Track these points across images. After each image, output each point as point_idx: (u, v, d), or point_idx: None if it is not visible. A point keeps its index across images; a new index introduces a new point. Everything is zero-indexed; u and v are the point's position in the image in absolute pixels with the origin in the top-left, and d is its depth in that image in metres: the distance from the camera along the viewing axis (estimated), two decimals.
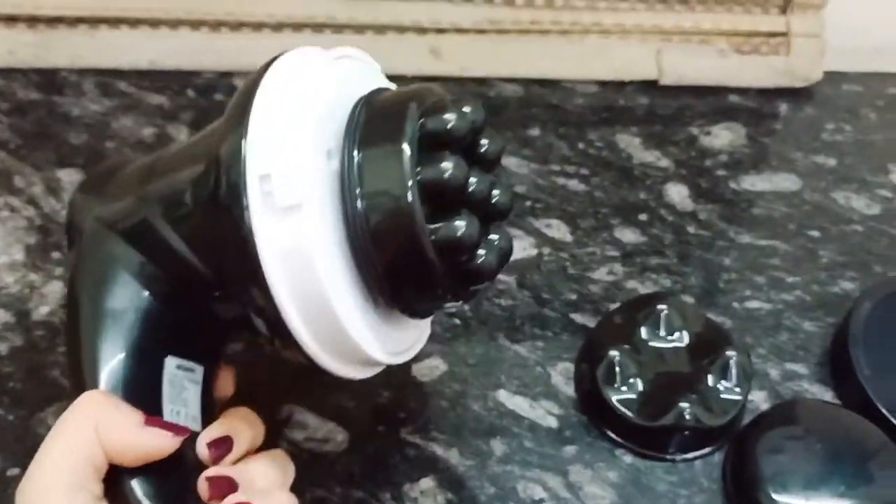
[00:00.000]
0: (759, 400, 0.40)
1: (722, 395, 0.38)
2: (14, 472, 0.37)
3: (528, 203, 0.48)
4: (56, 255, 0.45)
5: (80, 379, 0.30)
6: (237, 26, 0.54)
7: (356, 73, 0.30)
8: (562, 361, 0.41)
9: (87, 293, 0.31)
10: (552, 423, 0.39)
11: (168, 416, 0.30)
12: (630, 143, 0.52)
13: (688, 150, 0.51)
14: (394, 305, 0.29)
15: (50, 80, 0.54)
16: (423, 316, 0.31)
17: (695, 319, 0.40)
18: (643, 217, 0.48)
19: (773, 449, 0.36)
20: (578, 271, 0.45)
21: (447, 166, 0.26)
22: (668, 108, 0.54)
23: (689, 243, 0.46)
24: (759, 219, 0.48)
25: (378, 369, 0.31)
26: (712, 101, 0.54)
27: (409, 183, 0.26)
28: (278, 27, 0.55)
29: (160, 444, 0.28)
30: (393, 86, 0.31)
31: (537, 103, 0.54)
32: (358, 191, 0.26)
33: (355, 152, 0.27)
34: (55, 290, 0.43)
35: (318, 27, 0.55)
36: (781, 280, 0.45)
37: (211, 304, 0.30)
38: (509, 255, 0.30)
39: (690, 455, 0.38)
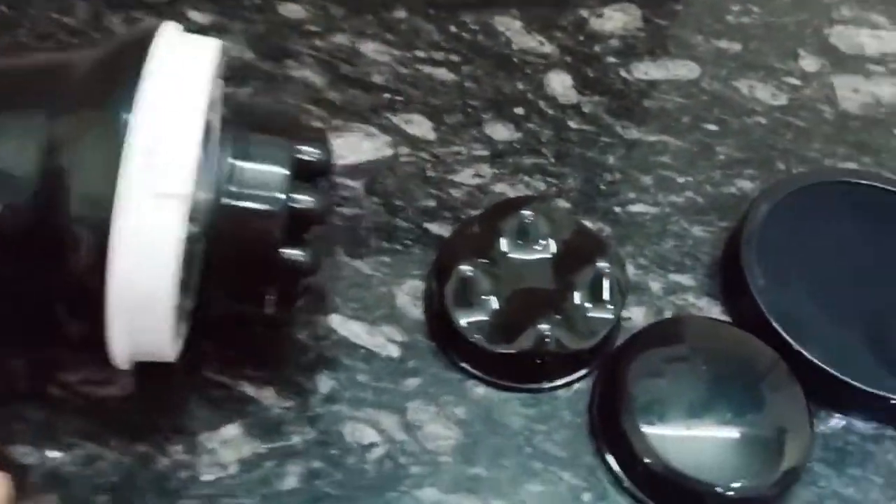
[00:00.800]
0: (638, 318, 0.32)
1: (589, 314, 0.30)
2: None
3: (387, 96, 0.38)
4: None
5: None
6: None
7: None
8: (411, 279, 0.33)
9: None
10: (393, 351, 0.31)
11: None
12: (510, 26, 0.42)
13: (575, 35, 0.42)
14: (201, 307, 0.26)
15: None
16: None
17: (565, 227, 0.32)
18: (519, 111, 0.39)
19: (646, 373, 0.29)
20: (439, 174, 0.36)
21: (311, 200, 0.25)
22: None
23: (569, 140, 0.38)
24: (650, 112, 0.39)
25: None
26: None
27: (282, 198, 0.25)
28: None
29: None
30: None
31: None
32: (233, 189, 0.25)
33: (236, 160, 0.25)
34: None
35: None
36: (671, 180, 0.37)
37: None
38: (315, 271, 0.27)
39: (553, 384, 0.30)
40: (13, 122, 0.24)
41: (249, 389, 0.29)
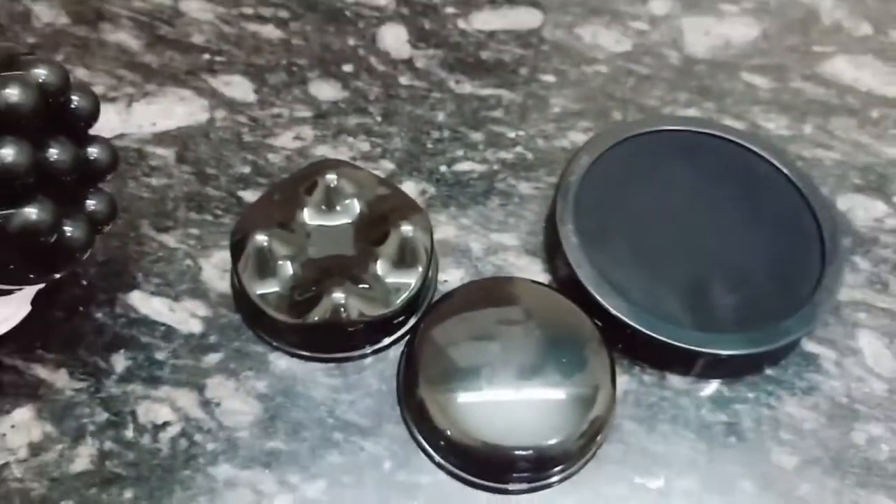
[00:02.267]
0: (456, 280, 0.33)
1: (389, 280, 0.31)
2: None
3: (206, 57, 0.39)
4: None
5: None
6: None
7: None
8: (219, 250, 0.33)
9: None
10: (195, 327, 0.31)
11: None
12: None
13: None
14: None
15: None
16: (5, 293, 0.27)
17: (371, 189, 0.33)
18: (348, 68, 0.39)
19: (444, 340, 0.30)
20: (257, 138, 0.36)
21: (6, 153, 0.23)
22: None
23: (398, 97, 0.38)
24: (486, 64, 0.40)
25: None
26: None
27: None
28: None
29: None
30: None
31: None
32: None
33: None
34: None
35: None
36: (501, 136, 0.37)
37: None
38: (111, 217, 0.28)
39: (360, 353, 0.31)
40: None
41: (42, 372, 0.30)
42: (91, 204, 0.27)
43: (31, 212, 0.24)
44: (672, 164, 0.35)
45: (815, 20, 0.43)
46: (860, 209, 0.36)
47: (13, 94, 0.23)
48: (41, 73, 0.24)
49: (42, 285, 0.28)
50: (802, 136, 0.39)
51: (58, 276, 0.26)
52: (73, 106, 0.26)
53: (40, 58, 0.25)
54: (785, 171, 0.35)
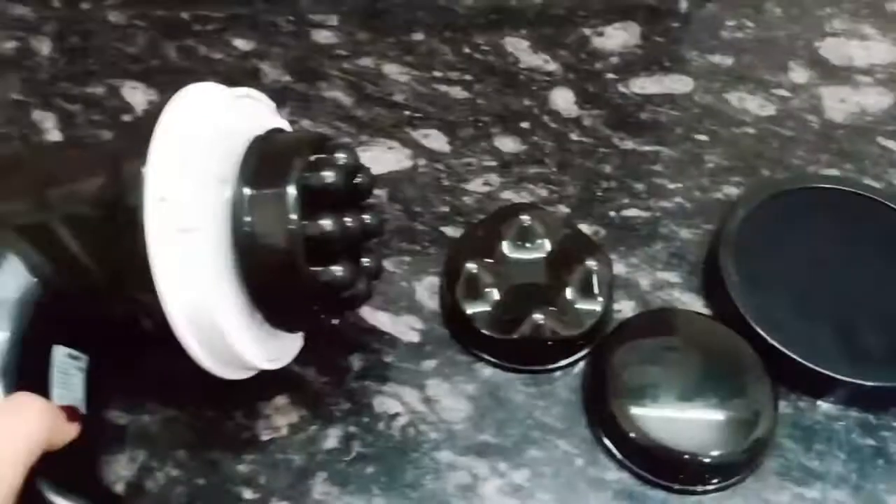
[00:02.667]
0: (628, 310, 0.39)
1: (579, 306, 0.37)
2: None
3: (407, 113, 0.46)
4: None
5: None
6: None
7: (254, 111, 0.33)
8: (428, 276, 0.40)
9: None
10: (413, 337, 0.38)
11: (56, 399, 0.31)
12: (518, 46, 0.49)
13: (578, 53, 0.49)
14: (275, 325, 0.32)
15: None
16: (297, 331, 0.34)
17: (559, 229, 0.39)
18: (525, 125, 0.46)
19: (631, 357, 0.36)
20: (453, 183, 0.44)
21: (326, 224, 0.29)
22: (562, 8, 0.51)
23: (570, 151, 0.45)
24: (645, 123, 0.46)
25: (253, 371, 0.33)
26: None
27: (291, 226, 0.29)
28: None
29: (71, 431, 0.29)
30: (287, 124, 0.34)
31: (423, 6, 0.51)
32: (248, 222, 0.29)
33: (245, 189, 0.29)
34: None
35: None
36: (662, 187, 0.44)
37: (101, 303, 0.32)
38: (379, 274, 0.35)
39: (549, 367, 0.38)
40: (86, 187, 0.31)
41: (296, 367, 0.37)
42: (365, 261, 0.33)
43: (337, 269, 0.30)
44: (819, 217, 0.41)
45: None
46: None
47: (328, 175, 0.29)
48: (341, 156, 0.31)
49: None
50: None
51: (337, 321, 0.33)
52: (357, 181, 0.32)
53: (340, 143, 0.31)
54: None
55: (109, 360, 0.34)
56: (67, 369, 0.32)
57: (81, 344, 0.33)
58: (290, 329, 0.33)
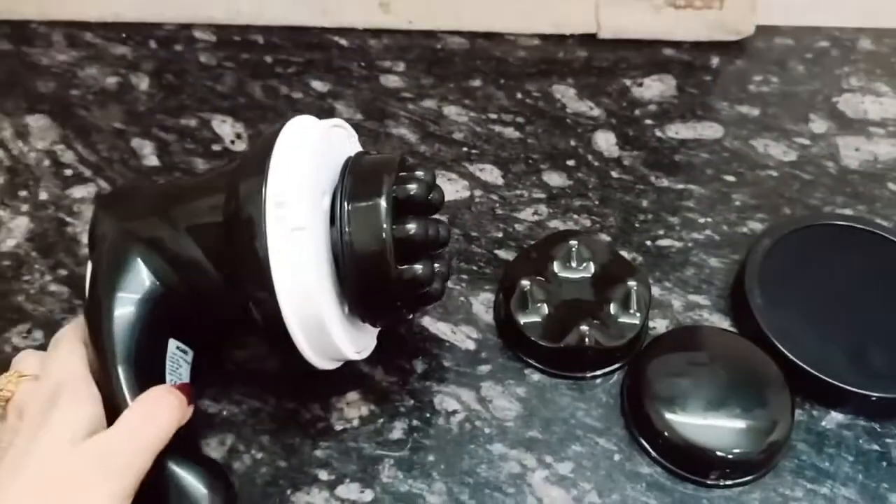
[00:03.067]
0: (661, 327, 0.45)
1: (620, 320, 0.42)
2: None
3: (465, 149, 0.52)
4: (23, 193, 0.49)
5: (102, 351, 0.35)
6: None
7: (342, 137, 0.40)
8: (483, 292, 0.46)
9: (110, 285, 0.37)
10: (470, 345, 0.44)
11: (168, 383, 0.36)
12: (565, 93, 0.56)
13: (619, 101, 0.55)
14: (363, 318, 0.38)
15: (20, 31, 0.58)
16: (382, 326, 0.41)
17: (603, 254, 0.45)
18: (571, 163, 0.52)
19: (665, 367, 0.41)
20: (506, 212, 0.49)
21: (412, 227, 0.35)
22: (605, 61, 0.58)
23: (611, 187, 0.51)
24: (679, 165, 0.52)
25: (341, 362, 0.38)
26: (648, 53, 0.58)
27: (385, 229, 0.35)
28: None
29: (189, 412, 0.35)
30: (359, 146, 0.41)
31: (481, 56, 0.58)
32: (347, 230, 0.35)
33: (346, 202, 0.35)
34: (21, 224, 0.48)
35: None
36: (693, 221, 0.49)
37: (214, 302, 0.37)
38: (448, 277, 0.41)
39: (592, 374, 0.43)
40: (211, 194, 0.37)
41: (364, 368, 0.43)
42: (438, 266, 0.39)
43: (419, 267, 0.35)
44: (834, 250, 0.46)
45: None
46: None
47: (412, 188, 0.36)
48: (420, 173, 0.37)
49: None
50: None
51: (412, 317, 0.39)
52: (431, 197, 0.38)
53: (418, 162, 0.38)
54: None
55: (204, 358, 0.40)
56: (177, 360, 0.37)
57: (188, 340, 0.39)
58: (375, 322, 0.39)
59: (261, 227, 0.33)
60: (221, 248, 0.35)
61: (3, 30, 0.58)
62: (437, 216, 0.40)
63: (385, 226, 0.35)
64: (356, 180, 0.36)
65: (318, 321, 0.34)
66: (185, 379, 0.37)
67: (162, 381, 0.35)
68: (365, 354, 0.39)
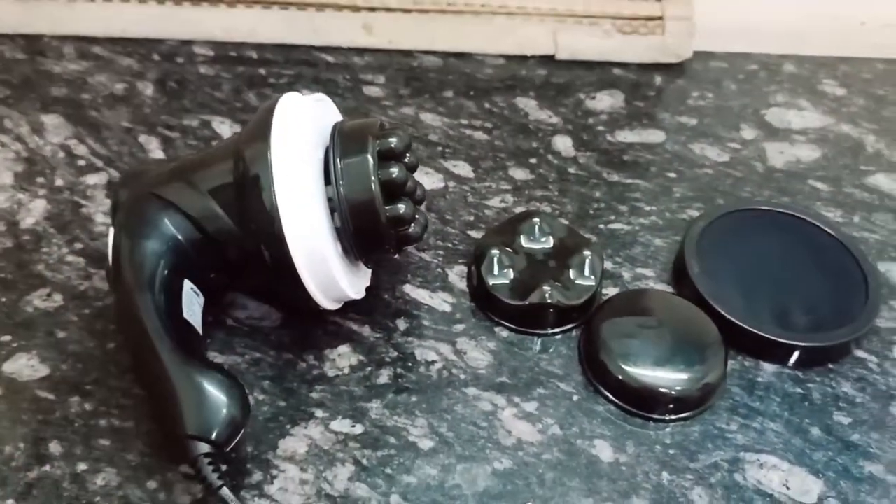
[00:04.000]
0: (613, 294, 0.52)
1: (577, 282, 0.49)
2: (5, 338, 0.47)
3: (440, 148, 0.60)
4: (40, 180, 0.55)
5: (127, 283, 0.41)
6: (197, 1, 0.66)
7: (326, 108, 0.47)
8: (458, 265, 0.53)
9: (136, 232, 0.43)
10: (446, 308, 0.50)
11: (185, 314, 0.42)
12: (528, 104, 0.64)
13: (575, 111, 0.64)
14: (358, 256, 0.45)
15: (34, 44, 0.64)
16: (374, 263, 0.50)
17: (561, 230, 0.52)
18: (533, 160, 0.60)
19: (617, 322, 0.48)
20: (477, 199, 0.57)
21: (394, 170, 0.43)
22: (562, 78, 0.66)
23: (568, 181, 0.58)
24: (627, 163, 0.60)
25: (341, 303, 0.46)
26: (599, 72, 0.67)
27: (373, 178, 0.42)
28: (232, 3, 0.66)
29: None
30: (340, 116, 0.48)
31: (453, 72, 0.66)
32: (341, 183, 0.42)
33: (338, 160, 0.42)
34: (39, 206, 0.54)
35: (267, 4, 0.66)
36: (640, 208, 0.57)
37: (230, 250, 0.43)
38: (426, 227, 0.47)
39: (553, 331, 0.49)
40: (222, 161, 0.44)
41: (354, 325, 0.49)
42: (420, 217, 0.46)
43: (402, 207, 0.43)
44: (759, 230, 0.54)
45: (861, 148, 0.63)
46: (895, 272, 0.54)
47: (393, 140, 0.43)
48: (399, 132, 0.44)
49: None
50: (852, 223, 0.57)
51: (397, 256, 0.45)
52: (406, 160, 0.46)
53: (395, 125, 0.46)
54: (840, 240, 0.53)
55: (209, 316, 0.46)
56: (192, 299, 0.43)
57: (202, 288, 0.45)
58: (367, 261, 0.46)
59: (268, 177, 0.40)
60: (237, 202, 0.42)
61: (18, 42, 0.64)
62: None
63: (373, 177, 0.42)
64: (344, 141, 0.43)
65: (322, 258, 0.41)
66: (199, 317, 0.43)
67: (179, 314, 0.41)
68: (360, 295, 0.45)
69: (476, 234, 0.54)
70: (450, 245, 0.54)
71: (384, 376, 0.47)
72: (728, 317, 0.49)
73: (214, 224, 0.43)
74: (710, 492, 0.43)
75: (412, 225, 0.45)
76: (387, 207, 0.43)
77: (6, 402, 0.44)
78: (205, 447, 0.38)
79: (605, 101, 0.65)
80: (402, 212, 0.43)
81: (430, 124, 0.62)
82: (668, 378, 0.46)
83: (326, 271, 0.42)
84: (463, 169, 0.59)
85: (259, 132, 0.42)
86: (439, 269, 0.52)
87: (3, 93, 0.61)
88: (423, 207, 0.48)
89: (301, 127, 0.42)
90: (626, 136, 0.62)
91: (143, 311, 0.40)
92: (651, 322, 0.48)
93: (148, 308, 0.40)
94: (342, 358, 0.48)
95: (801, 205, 0.58)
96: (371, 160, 0.42)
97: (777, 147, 0.62)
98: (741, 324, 0.48)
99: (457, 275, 0.52)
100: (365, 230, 0.43)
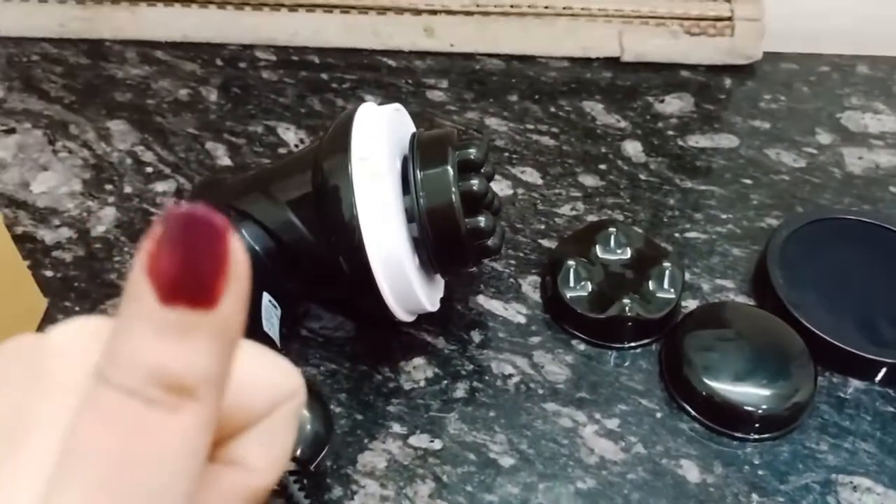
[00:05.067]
0: (693, 306, 0.50)
1: (658, 295, 0.48)
2: None
3: (507, 154, 0.59)
4: (108, 187, 0.55)
5: None
6: (258, 6, 0.65)
7: (402, 118, 0.46)
8: (531, 275, 0.51)
9: None
10: (521, 319, 0.49)
11: (265, 328, 0.42)
12: (594, 108, 0.62)
13: (643, 115, 0.62)
14: (437, 269, 0.44)
15: (97, 49, 0.64)
16: (452, 275, 0.49)
17: (638, 240, 0.51)
18: (603, 167, 0.58)
19: (698, 338, 0.46)
20: (547, 207, 0.55)
21: (475, 182, 0.42)
22: (628, 81, 0.65)
23: (640, 187, 0.57)
24: (700, 169, 0.58)
25: (415, 316, 0.45)
26: (666, 75, 0.65)
27: (454, 190, 0.41)
28: (293, 7, 0.65)
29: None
30: (414, 127, 0.47)
31: (516, 76, 0.65)
32: (421, 194, 0.41)
33: (418, 171, 0.42)
34: (109, 213, 0.53)
35: (328, 8, 0.66)
36: (716, 216, 0.55)
37: (307, 261, 0.43)
38: (504, 239, 0.46)
39: (633, 344, 0.48)
40: (300, 172, 0.44)
41: (428, 337, 0.48)
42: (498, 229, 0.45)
43: (482, 219, 0.42)
44: (844, 240, 0.52)
45: None
46: None
47: (472, 151, 0.43)
48: (477, 142, 0.44)
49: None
50: None
51: (474, 268, 0.45)
52: (484, 170, 0.45)
53: (473, 135, 0.45)
54: None
55: (284, 328, 0.45)
56: (270, 312, 0.43)
57: (280, 300, 0.44)
58: (445, 273, 0.45)
59: (349, 188, 0.40)
60: (314, 213, 0.41)
61: (80, 47, 0.64)
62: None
63: (454, 188, 0.41)
64: (424, 151, 0.43)
65: (401, 271, 0.40)
66: (277, 330, 0.43)
67: (259, 326, 0.41)
68: (436, 307, 0.44)
69: (548, 244, 0.53)
70: (521, 254, 0.53)
71: (461, 390, 0.46)
72: (814, 330, 0.47)
73: (292, 235, 0.42)
74: None
75: (491, 238, 0.44)
76: (466, 220, 0.42)
77: None
78: (289, 465, 0.38)
79: (674, 105, 0.63)
80: (482, 224, 0.42)
81: (495, 129, 0.60)
82: (756, 395, 0.44)
83: (405, 284, 0.41)
84: (531, 175, 0.57)
85: (338, 143, 0.41)
86: (512, 280, 0.51)
87: (69, 98, 0.60)
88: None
89: (380, 138, 0.41)
90: (697, 140, 0.60)
91: None
92: (736, 336, 0.47)
93: None
94: (417, 370, 0.47)
95: (883, 213, 0.56)
96: (451, 171, 0.41)
97: (855, 152, 0.60)
98: (827, 338, 0.47)
99: (530, 285, 0.51)
100: (445, 242, 0.42)
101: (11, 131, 0.59)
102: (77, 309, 0.48)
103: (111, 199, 0.54)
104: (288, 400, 0.19)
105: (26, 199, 0.54)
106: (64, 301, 0.49)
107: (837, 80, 0.66)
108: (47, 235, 0.52)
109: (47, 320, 0.48)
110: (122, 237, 0.52)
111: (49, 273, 0.50)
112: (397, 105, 0.45)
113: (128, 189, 0.55)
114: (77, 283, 0.50)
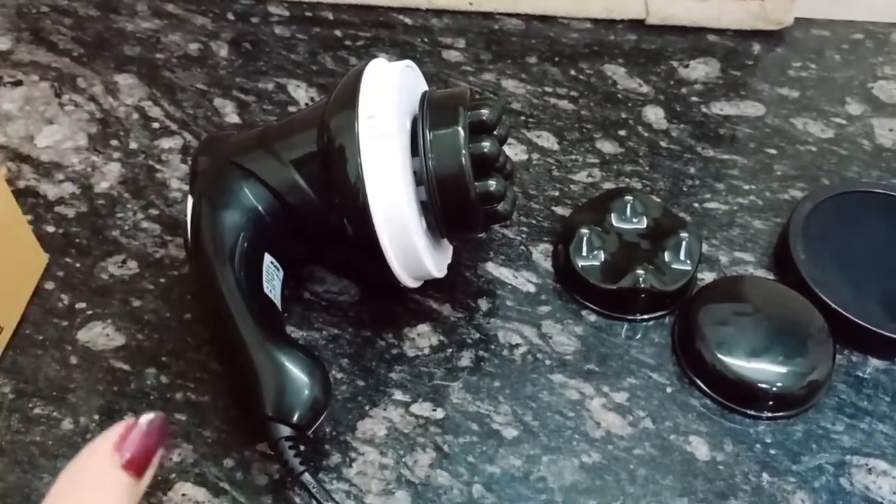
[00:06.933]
0: (709, 279, 0.48)
1: (673, 266, 0.46)
2: (81, 305, 0.46)
3: (523, 118, 0.57)
4: (114, 142, 0.54)
5: (206, 256, 0.40)
6: None
7: (414, 76, 0.44)
8: (542, 243, 0.50)
9: (216, 203, 0.41)
10: (531, 288, 0.48)
11: (266, 289, 0.41)
12: (616, 72, 0.60)
13: (667, 80, 0.60)
14: (444, 234, 0.43)
15: (107, 1, 0.63)
16: (459, 240, 0.48)
17: (656, 209, 0.49)
18: (622, 133, 0.56)
19: (713, 312, 0.45)
20: (562, 174, 0.54)
21: (486, 144, 0.40)
22: (653, 44, 0.62)
23: (660, 155, 0.55)
24: (723, 137, 0.56)
25: (421, 281, 0.43)
26: (693, 39, 0.62)
27: (464, 152, 0.40)
28: None
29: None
30: (426, 86, 0.45)
31: (536, 36, 0.62)
32: (430, 156, 0.40)
33: (427, 132, 0.40)
34: (113, 169, 0.52)
35: None
36: (738, 187, 0.53)
37: (311, 222, 0.41)
38: (515, 204, 0.44)
39: (645, 316, 0.46)
40: (306, 130, 0.42)
41: (434, 304, 0.46)
42: (510, 193, 0.43)
43: (493, 183, 0.41)
44: (871, 214, 0.50)
45: None
46: None
47: (485, 112, 0.41)
48: (490, 102, 0.42)
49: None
50: None
51: (483, 234, 0.43)
52: (496, 132, 0.43)
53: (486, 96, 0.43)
54: None
55: (286, 290, 0.44)
56: (272, 273, 0.42)
57: (282, 262, 0.43)
58: (452, 237, 0.44)
59: (355, 148, 0.38)
60: (321, 174, 0.40)
61: None
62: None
63: (464, 150, 0.39)
64: (434, 111, 0.41)
65: (406, 235, 0.38)
66: (278, 292, 0.41)
67: (260, 288, 0.40)
68: (443, 273, 0.43)
69: (562, 211, 0.51)
70: (534, 221, 0.51)
71: (465, 358, 0.45)
72: (835, 307, 0.45)
73: (296, 195, 0.41)
74: (814, 496, 0.40)
75: (502, 202, 0.42)
76: (476, 183, 0.40)
77: (81, 372, 0.43)
78: (285, 430, 0.37)
79: (700, 70, 0.60)
80: (492, 188, 0.41)
81: (512, 91, 0.58)
82: (772, 372, 0.42)
83: (410, 248, 0.40)
84: (547, 140, 0.55)
85: (345, 101, 0.40)
86: (523, 247, 0.50)
87: (77, 51, 0.59)
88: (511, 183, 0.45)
89: (389, 96, 0.39)
90: (722, 107, 0.58)
91: (224, 284, 0.38)
92: (753, 311, 0.45)
93: (228, 281, 0.38)
94: (422, 338, 0.45)
95: None
96: (462, 133, 0.40)
97: (886, 124, 0.57)
98: (848, 315, 0.45)
99: (541, 253, 0.49)
100: (453, 207, 0.41)
101: (18, 83, 0.58)
102: (78, 265, 0.47)
103: (116, 155, 0.53)
104: None
105: (30, 153, 0.53)
106: (65, 257, 0.48)
107: (871, 48, 0.63)
108: (50, 190, 0.51)
109: (47, 276, 0.47)
110: (125, 193, 0.51)
111: (51, 228, 0.49)
112: (409, 62, 0.43)
113: (133, 145, 0.54)
114: (78, 240, 0.49)
